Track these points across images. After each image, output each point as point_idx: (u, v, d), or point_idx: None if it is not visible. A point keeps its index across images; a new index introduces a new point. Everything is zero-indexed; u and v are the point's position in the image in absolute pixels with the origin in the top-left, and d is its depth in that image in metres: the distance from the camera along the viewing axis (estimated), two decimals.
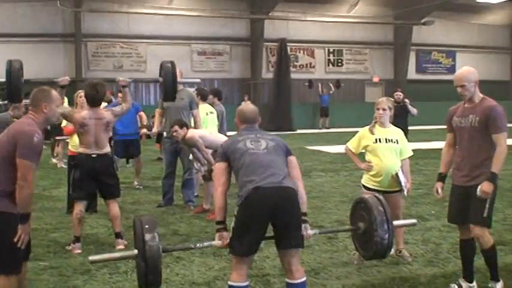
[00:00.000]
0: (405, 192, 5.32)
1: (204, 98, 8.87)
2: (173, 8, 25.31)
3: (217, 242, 3.92)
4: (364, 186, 5.48)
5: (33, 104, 3.94)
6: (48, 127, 11.45)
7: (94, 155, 5.90)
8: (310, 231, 4.10)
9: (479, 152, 4.39)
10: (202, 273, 5.15)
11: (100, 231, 6.80)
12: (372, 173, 5.37)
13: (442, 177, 4.74)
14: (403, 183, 5.28)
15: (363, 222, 4.37)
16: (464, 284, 4.58)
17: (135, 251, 3.80)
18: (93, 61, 24.91)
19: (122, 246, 5.93)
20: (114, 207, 6.09)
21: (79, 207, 5.94)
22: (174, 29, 25.37)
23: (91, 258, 3.86)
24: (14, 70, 5.76)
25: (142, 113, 10.11)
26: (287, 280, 3.90)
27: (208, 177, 7.44)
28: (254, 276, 5.01)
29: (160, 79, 6.60)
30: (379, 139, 5.34)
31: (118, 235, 6.10)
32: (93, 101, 6.00)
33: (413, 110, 12.23)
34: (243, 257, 3.83)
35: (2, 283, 3.82)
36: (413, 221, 5.00)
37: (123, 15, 24.62)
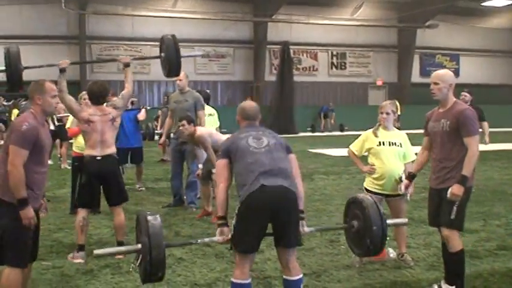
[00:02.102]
0: (408, 196, 5.31)
1: (206, 100, 8.85)
2: (177, 11, 25.38)
3: (218, 238, 3.98)
4: (366, 189, 5.48)
5: (29, 98, 4.14)
6: (52, 127, 11.51)
7: (99, 157, 5.70)
8: (306, 229, 4.16)
9: (451, 155, 4.43)
10: (204, 274, 5.15)
11: (103, 231, 6.82)
12: (374, 176, 5.36)
13: (409, 175, 4.99)
14: (409, 192, 5.26)
15: (357, 220, 4.38)
16: (444, 286, 4.58)
17: (139, 245, 3.83)
18: (97, 64, 24.99)
19: (122, 257, 5.58)
20: (119, 215, 5.85)
21: (82, 214, 5.73)
22: (177, 32, 24.92)
23: (96, 252, 3.89)
24: (12, 54, 5.76)
25: (141, 114, 9.85)
26: (285, 277, 4.00)
27: (206, 177, 7.44)
28: (255, 278, 5.01)
29: (162, 55, 6.23)
30: (383, 142, 5.33)
31: (120, 244, 5.77)
32: (97, 99, 5.87)
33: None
34: (245, 254, 3.89)
35: (7, 273, 3.91)
36: (405, 220, 5.00)
37: (127, 18, 24.70)
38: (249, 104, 4.42)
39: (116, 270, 5.24)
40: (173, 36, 6.21)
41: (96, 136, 5.71)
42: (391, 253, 5.64)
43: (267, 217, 3.84)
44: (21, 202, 3.81)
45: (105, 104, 5.91)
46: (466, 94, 9.49)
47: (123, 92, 6.11)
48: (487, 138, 9.70)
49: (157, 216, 3.88)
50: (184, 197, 8.39)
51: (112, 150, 5.85)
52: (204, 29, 26.11)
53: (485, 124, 9.67)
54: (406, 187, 5.02)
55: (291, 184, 3.92)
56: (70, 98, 5.76)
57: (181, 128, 7.33)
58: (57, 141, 13.06)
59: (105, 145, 5.75)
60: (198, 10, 25.51)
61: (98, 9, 23.98)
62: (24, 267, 3.99)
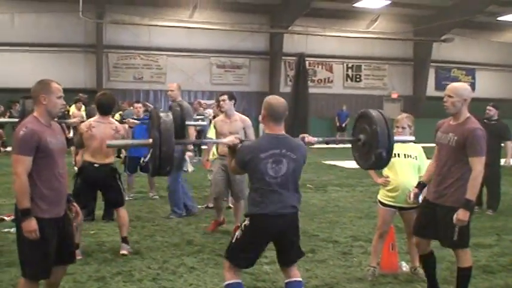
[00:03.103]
0: (411, 200, 5.27)
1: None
2: (194, 22, 25.51)
3: (229, 139, 4.26)
4: (380, 202, 5.45)
5: (33, 98, 3.91)
6: (70, 135, 11.67)
7: (97, 165, 5.96)
8: (311, 139, 4.42)
9: (452, 171, 4.36)
10: (215, 284, 5.15)
11: (116, 238, 6.83)
12: (388, 188, 5.34)
13: (419, 184, 4.88)
14: (420, 200, 5.24)
15: (365, 134, 4.33)
16: None
17: (150, 140, 4.00)
18: (114, 72, 25.15)
19: (125, 252, 6.02)
20: (122, 213, 6.17)
21: None
22: (194, 42, 25.54)
23: (108, 142, 4.08)
24: (27, 110, 5.87)
25: None
26: (286, 281, 4.14)
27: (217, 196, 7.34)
28: None
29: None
30: (398, 154, 5.29)
31: (124, 240, 6.19)
32: (104, 110, 6.15)
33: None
34: (239, 268, 4.09)
35: (21, 283, 3.87)
36: (412, 137, 5.03)
37: (144, 28, 24.86)
38: (277, 100, 4.19)
39: (128, 278, 5.26)
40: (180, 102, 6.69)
41: (97, 143, 5.93)
42: (404, 266, 5.62)
43: (268, 240, 4.04)
44: (23, 213, 3.67)
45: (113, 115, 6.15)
46: (491, 108, 9.01)
47: (125, 134, 6.40)
48: (510, 160, 9.01)
49: (169, 114, 4.03)
50: (200, 206, 8.36)
51: (110, 160, 6.11)
52: (220, 39, 26.21)
53: (509, 144, 8.97)
54: (416, 195, 4.92)
55: (294, 209, 4.01)
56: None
57: (221, 103, 7.19)
58: (72, 148, 13.18)
59: (104, 153, 5.98)
60: (214, 21, 25.62)
61: (115, 19, 24.16)
62: (37, 279, 3.86)
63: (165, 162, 3.87)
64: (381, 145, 4.14)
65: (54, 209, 3.85)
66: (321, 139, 4.63)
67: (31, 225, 3.66)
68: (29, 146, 3.67)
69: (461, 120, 4.41)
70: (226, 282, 4.01)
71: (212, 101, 24.11)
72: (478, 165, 4.23)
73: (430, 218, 4.48)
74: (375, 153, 4.18)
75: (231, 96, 7.20)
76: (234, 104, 7.20)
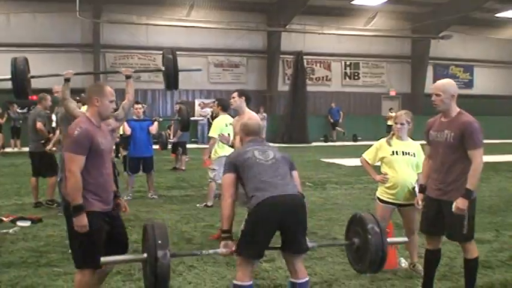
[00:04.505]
0: (420, 206, 5.27)
1: (224, 109, 8.54)
2: (191, 20, 25.51)
3: (221, 250, 4.04)
4: (378, 198, 5.46)
5: (87, 99, 4.13)
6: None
7: None
8: (309, 244, 4.14)
9: (453, 167, 4.38)
10: (215, 282, 5.15)
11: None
12: (387, 185, 5.34)
13: (423, 189, 4.79)
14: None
15: (358, 238, 4.29)
16: None
17: (145, 255, 3.81)
18: None
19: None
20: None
21: None
22: (191, 41, 25.53)
23: (103, 259, 3.88)
24: (18, 63, 5.90)
25: (153, 127, 9.92)
26: (292, 280, 4.10)
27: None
28: (266, 287, 5.01)
29: (163, 68, 6.59)
30: (396, 151, 5.31)
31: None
32: None
33: None
34: (251, 259, 3.99)
35: (78, 278, 4.01)
36: (405, 238, 4.90)
37: (141, 27, 24.86)
38: (252, 120, 4.53)
39: (127, 277, 5.25)
40: (173, 51, 6.53)
41: None
42: (403, 263, 5.62)
43: (276, 226, 3.92)
44: (76, 209, 3.82)
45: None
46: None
47: (123, 102, 6.31)
48: None
49: (164, 224, 3.95)
50: (198, 205, 8.35)
51: None
52: (217, 38, 26.22)
53: None
54: (423, 200, 4.87)
55: (297, 192, 4.02)
56: (74, 106, 5.98)
57: (232, 100, 6.96)
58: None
59: None
60: (212, 20, 25.62)
61: (112, 18, 24.15)
62: (86, 267, 3.98)
63: (161, 279, 3.68)
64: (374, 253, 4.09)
65: (102, 203, 4.02)
66: (315, 245, 4.51)
67: (82, 220, 3.83)
68: (82, 145, 3.85)
69: (454, 116, 4.44)
70: (236, 282, 3.97)
71: (210, 100, 24.14)
72: (478, 156, 4.28)
73: (437, 215, 4.50)
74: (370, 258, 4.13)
75: (241, 93, 6.99)
76: (247, 102, 6.99)
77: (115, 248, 4.08)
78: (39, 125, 8.69)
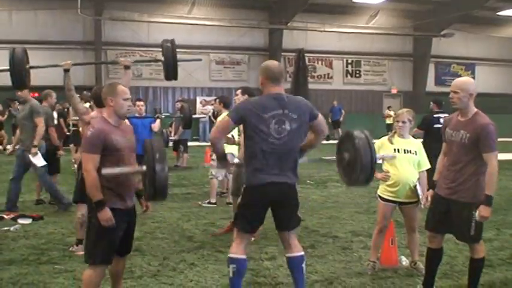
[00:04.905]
0: (422, 205, 5.27)
1: (226, 106, 8.46)
2: (193, 18, 25.49)
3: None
4: (380, 196, 5.45)
5: (102, 100, 4.24)
6: (68, 133, 11.67)
7: None
8: (300, 160, 4.34)
9: (466, 167, 4.35)
10: (216, 280, 5.15)
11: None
12: (388, 183, 5.32)
13: (434, 185, 4.75)
14: (420, 195, 5.24)
15: (348, 153, 4.36)
16: None
17: (144, 167, 4.07)
18: (113, 69, 25.09)
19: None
20: None
21: (81, 211, 5.88)
22: (193, 39, 25.49)
23: (103, 171, 3.94)
24: (16, 54, 5.88)
25: (155, 125, 9.87)
26: (287, 255, 4.25)
27: (235, 192, 6.94)
28: (267, 285, 5.01)
29: (162, 58, 6.60)
30: (398, 149, 5.29)
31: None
32: (100, 102, 6.05)
33: None
34: (245, 233, 4.23)
35: (88, 274, 4.06)
36: (394, 154, 5.10)
37: (143, 24, 24.84)
38: (273, 62, 4.32)
39: (128, 275, 5.24)
40: (172, 41, 6.54)
41: None
42: (404, 261, 5.62)
43: (267, 206, 4.19)
44: (97, 204, 3.90)
45: None
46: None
47: None
48: None
49: (162, 141, 4.19)
50: (199, 203, 8.34)
51: None
52: (219, 35, 26.21)
53: None
54: (432, 197, 4.81)
55: (291, 179, 4.16)
56: (78, 100, 6.06)
57: (235, 97, 7.08)
58: (72, 145, 13.21)
59: None
60: (213, 17, 25.59)
61: (114, 15, 24.14)
62: (107, 264, 4.10)
63: (160, 190, 3.95)
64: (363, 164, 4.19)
65: (122, 201, 4.08)
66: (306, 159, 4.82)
67: (106, 214, 3.90)
68: (96, 144, 3.94)
69: (470, 116, 4.38)
70: (230, 255, 4.17)
71: (211, 98, 24.12)
72: (494, 160, 4.24)
73: (444, 213, 4.47)
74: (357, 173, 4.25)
75: (245, 90, 6.99)
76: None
77: (121, 246, 4.16)
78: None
